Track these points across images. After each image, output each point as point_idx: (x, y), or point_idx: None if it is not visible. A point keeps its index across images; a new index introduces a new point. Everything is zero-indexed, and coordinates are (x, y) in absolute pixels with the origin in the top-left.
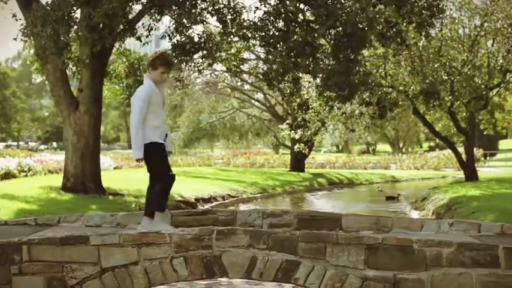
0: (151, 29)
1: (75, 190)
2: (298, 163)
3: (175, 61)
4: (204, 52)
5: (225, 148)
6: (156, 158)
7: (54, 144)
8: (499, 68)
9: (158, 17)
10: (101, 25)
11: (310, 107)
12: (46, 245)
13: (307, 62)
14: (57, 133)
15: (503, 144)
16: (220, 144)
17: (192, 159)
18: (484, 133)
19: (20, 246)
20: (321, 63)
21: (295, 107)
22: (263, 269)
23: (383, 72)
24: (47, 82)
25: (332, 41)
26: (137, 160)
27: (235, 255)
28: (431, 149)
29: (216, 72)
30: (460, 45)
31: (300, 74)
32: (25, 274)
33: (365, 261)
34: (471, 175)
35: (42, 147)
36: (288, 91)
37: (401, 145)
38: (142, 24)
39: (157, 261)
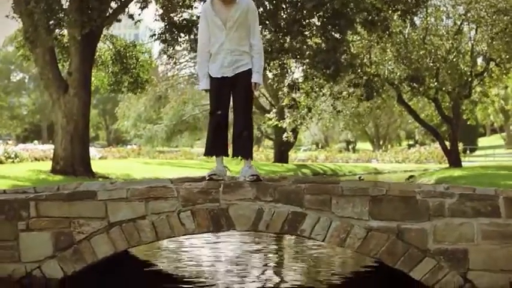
0: (144, 7)
1: (64, 173)
2: (282, 155)
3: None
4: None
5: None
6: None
7: (36, 142)
8: (482, 55)
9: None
10: (89, 7)
11: (300, 87)
12: (53, 200)
13: (295, 43)
14: (36, 131)
15: (482, 141)
16: (201, 143)
17: (175, 153)
18: (467, 124)
19: (27, 202)
20: (309, 41)
21: (286, 88)
22: (269, 221)
23: (368, 62)
24: (32, 72)
25: (320, 19)
26: (204, 90)
27: (242, 208)
28: (410, 146)
29: None
30: (445, 33)
31: (286, 60)
32: (32, 230)
33: (369, 212)
34: (455, 162)
35: (20, 145)
36: (277, 72)
37: (381, 142)
38: (135, 2)
39: (165, 215)
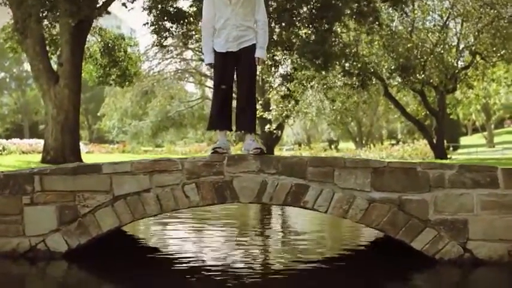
0: None
1: (55, 162)
2: (268, 149)
3: (162, 27)
4: (190, 19)
5: (189, 144)
6: (214, 68)
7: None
8: (468, 48)
9: None
10: None
11: (294, 77)
12: (58, 175)
13: (283, 35)
14: (18, 130)
15: (464, 140)
16: (183, 143)
17: (159, 150)
18: (449, 122)
19: (31, 176)
20: (299, 31)
21: (279, 79)
22: (273, 193)
23: (356, 56)
24: (13, 71)
25: (308, 10)
26: (208, 65)
27: (246, 180)
28: (393, 145)
29: (187, 60)
30: (432, 26)
31: (275, 53)
32: (37, 204)
33: (371, 184)
34: (441, 155)
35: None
36: (268, 63)
37: (363, 142)
38: None
39: (169, 188)
